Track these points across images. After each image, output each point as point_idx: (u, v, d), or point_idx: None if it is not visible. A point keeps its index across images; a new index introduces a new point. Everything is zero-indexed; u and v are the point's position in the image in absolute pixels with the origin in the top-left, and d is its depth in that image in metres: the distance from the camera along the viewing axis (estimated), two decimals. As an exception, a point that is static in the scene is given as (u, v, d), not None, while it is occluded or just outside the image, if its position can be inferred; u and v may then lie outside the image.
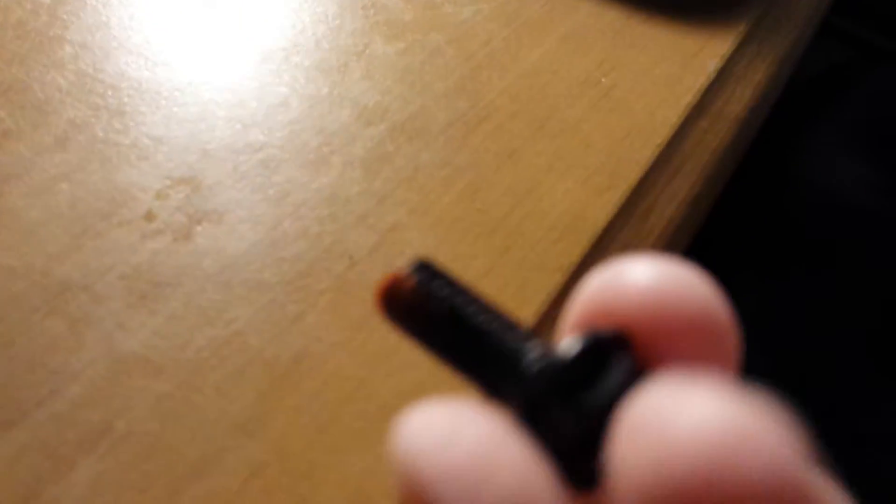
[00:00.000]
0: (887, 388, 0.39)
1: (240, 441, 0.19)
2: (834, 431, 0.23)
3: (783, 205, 0.47)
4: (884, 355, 0.40)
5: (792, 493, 0.08)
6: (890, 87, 0.52)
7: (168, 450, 0.18)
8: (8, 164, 0.23)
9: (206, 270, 0.21)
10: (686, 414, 0.08)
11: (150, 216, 0.22)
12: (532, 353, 0.10)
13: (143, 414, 0.19)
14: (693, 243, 0.28)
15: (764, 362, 0.36)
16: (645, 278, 0.10)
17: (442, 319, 0.11)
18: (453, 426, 0.09)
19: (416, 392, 0.20)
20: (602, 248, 0.24)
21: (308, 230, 0.23)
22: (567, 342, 0.10)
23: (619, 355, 0.10)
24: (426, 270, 0.11)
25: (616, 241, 0.24)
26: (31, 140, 0.24)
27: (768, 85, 0.31)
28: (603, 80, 0.29)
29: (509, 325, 0.11)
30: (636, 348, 0.10)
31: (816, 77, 0.55)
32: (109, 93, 0.26)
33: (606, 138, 0.27)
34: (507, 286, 0.22)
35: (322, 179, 0.24)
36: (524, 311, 0.22)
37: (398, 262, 0.22)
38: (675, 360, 0.10)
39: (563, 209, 0.25)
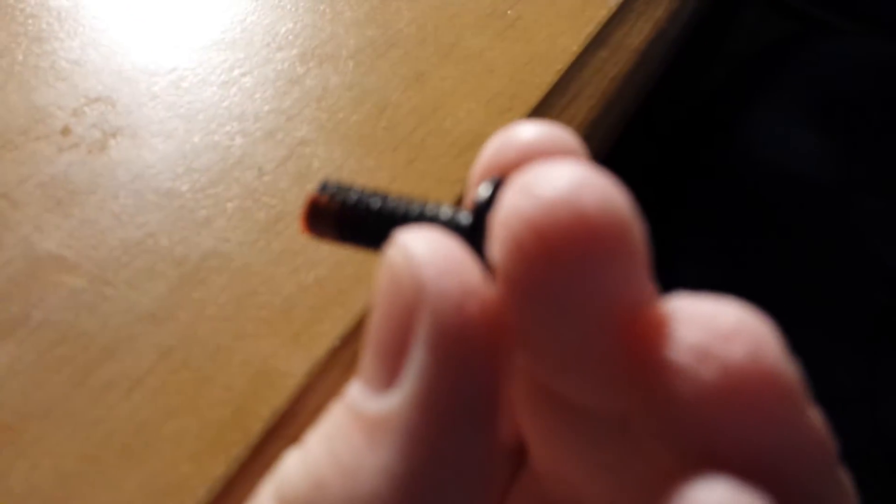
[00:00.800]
0: (847, 358, 0.41)
1: (149, 328, 0.20)
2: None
3: (734, 176, 0.48)
4: (842, 326, 0.41)
5: (622, 230, 0.09)
6: (834, 60, 0.54)
7: (81, 336, 0.20)
8: (-73, 84, 0.24)
9: (119, 179, 0.23)
10: (536, 178, 0.10)
11: (66, 131, 0.24)
12: (448, 210, 0.12)
13: (58, 305, 0.20)
14: (648, 215, 0.30)
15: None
16: (525, 135, 0.12)
17: (363, 215, 0.13)
18: (439, 239, 0.11)
19: (318, 286, 0.22)
20: (500, 162, 0.26)
21: (218, 144, 0.24)
22: (478, 190, 0.12)
23: None
24: (332, 186, 0.13)
25: (513, 156, 0.26)
26: (-51, 63, 0.25)
27: (668, 21, 0.33)
28: (509, 12, 0.30)
29: (420, 203, 0.13)
30: None
31: (762, 50, 0.57)
32: (30, 21, 0.27)
33: (509, 65, 0.28)
34: (409, 195, 0.24)
35: (233, 98, 0.25)
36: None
37: (306, 173, 0.24)
38: None
39: (465, 128, 0.26)
